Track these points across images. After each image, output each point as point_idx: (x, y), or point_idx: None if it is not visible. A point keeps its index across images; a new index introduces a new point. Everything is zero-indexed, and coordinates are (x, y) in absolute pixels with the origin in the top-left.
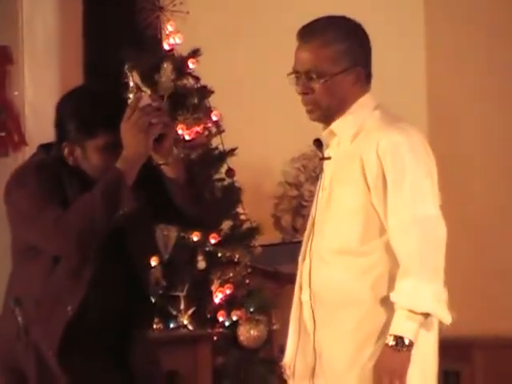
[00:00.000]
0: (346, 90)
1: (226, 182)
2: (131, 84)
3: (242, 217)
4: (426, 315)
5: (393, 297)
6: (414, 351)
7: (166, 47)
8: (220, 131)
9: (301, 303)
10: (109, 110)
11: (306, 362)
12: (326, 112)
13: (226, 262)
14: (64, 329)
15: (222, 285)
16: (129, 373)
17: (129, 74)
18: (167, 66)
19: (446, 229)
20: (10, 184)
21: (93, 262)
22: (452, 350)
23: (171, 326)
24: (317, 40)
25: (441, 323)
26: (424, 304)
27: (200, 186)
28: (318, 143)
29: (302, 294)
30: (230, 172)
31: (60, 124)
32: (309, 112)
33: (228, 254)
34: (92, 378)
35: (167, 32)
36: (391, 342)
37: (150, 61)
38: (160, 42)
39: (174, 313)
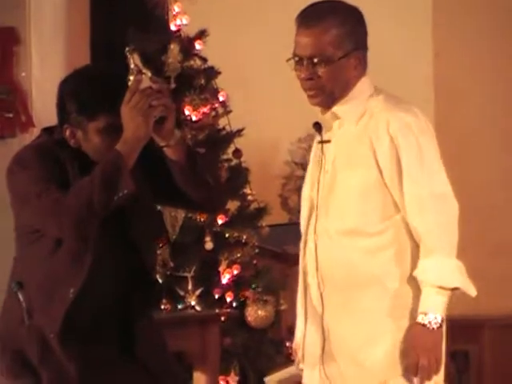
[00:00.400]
0: (349, 73)
1: (233, 163)
2: (132, 66)
3: (250, 197)
4: (453, 290)
5: (419, 275)
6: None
7: (173, 28)
8: (227, 112)
9: (305, 287)
10: (110, 92)
11: (314, 344)
12: (330, 96)
13: (234, 243)
14: (66, 311)
15: (229, 265)
16: (133, 359)
17: (129, 55)
18: (174, 47)
19: (457, 206)
20: (11, 166)
21: (94, 245)
22: (460, 329)
23: (179, 306)
24: (318, 25)
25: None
26: (453, 279)
27: (203, 169)
28: (318, 126)
29: (308, 277)
30: (237, 153)
31: (61, 106)
32: (312, 97)
33: (235, 235)
34: (101, 366)
35: (174, 13)
36: (424, 321)
37: (157, 42)
38: (167, 22)
39: (182, 293)
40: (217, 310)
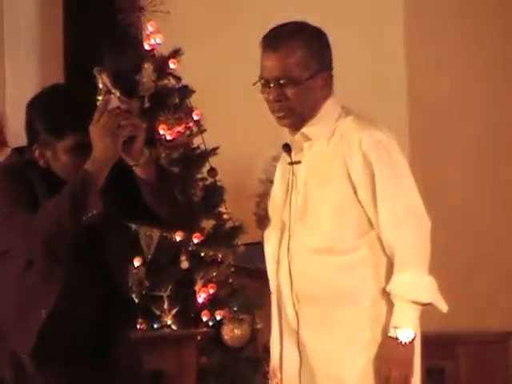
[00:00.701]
0: (316, 94)
1: (208, 182)
2: (100, 86)
3: (225, 216)
4: (425, 306)
5: (393, 289)
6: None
7: (147, 47)
8: (201, 131)
9: (279, 306)
10: (76, 111)
11: (292, 361)
12: (299, 117)
13: (210, 262)
14: (38, 332)
15: (205, 284)
16: (109, 376)
17: (98, 75)
18: (148, 66)
19: (429, 223)
20: None
21: (64, 264)
22: (436, 346)
23: (155, 326)
24: (283, 47)
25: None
26: (427, 294)
27: (172, 187)
28: (287, 148)
29: (283, 296)
30: (212, 171)
31: (30, 127)
32: (281, 118)
33: (211, 254)
34: (69, 382)
35: (148, 32)
36: (395, 335)
37: (131, 61)
38: (141, 42)
39: (158, 313)
40: (193, 329)
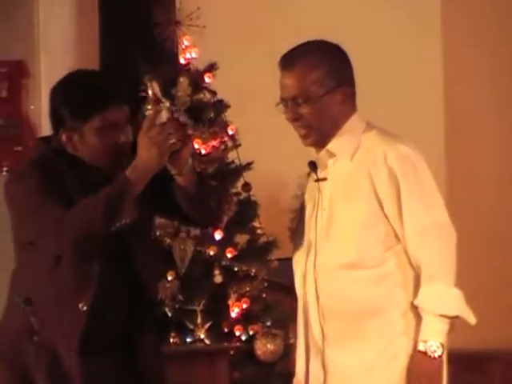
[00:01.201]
0: (336, 110)
1: (242, 196)
2: (150, 94)
3: (259, 231)
4: (453, 318)
5: (421, 303)
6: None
7: (183, 61)
8: (236, 145)
9: (306, 321)
10: (100, 92)
11: (317, 378)
12: (320, 134)
13: (243, 277)
14: (83, 327)
15: (238, 299)
16: (137, 373)
17: (148, 84)
18: (183, 81)
19: (456, 237)
20: (9, 181)
21: (98, 263)
22: (468, 362)
23: (188, 340)
24: (299, 66)
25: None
26: (455, 307)
27: (209, 198)
28: (313, 165)
29: (309, 312)
30: (247, 186)
31: (54, 113)
32: (303, 137)
33: (244, 269)
34: (104, 378)
35: (183, 46)
36: (425, 348)
37: (167, 75)
38: (176, 56)
39: (191, 327)
40: (226, 344)
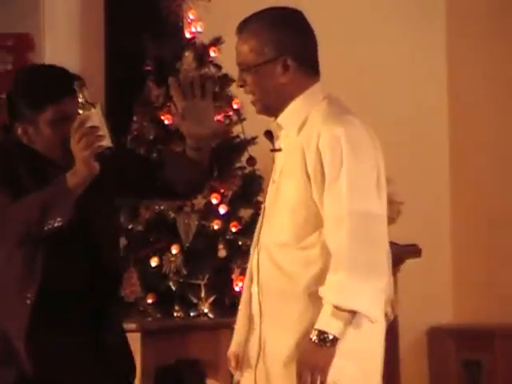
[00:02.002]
0: (277, 81)
1: (246, 171)
2: (80, 100)
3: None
4: (353, 312)
5: (321, 291)
6: (349, 346)
7: (188, 35)
8: (241, 119)
9: (250, 294)
10: (54, 83)
11: (252, 353)
12: (263, 104)
13: (247, 251)
14: (28, 316)
15: (242, 273)
16: (101, 349)
17: (78, 89)
18: (188, 55)
19: (386, 229)
20: None
21: (44, 248)
22: (472, 339)
23: (192, 314)
24: (244, 33)
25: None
26: (348, 300)
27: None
28: (269, 135)
29: (252, 285)
30: (251, 160)
31: (10, 104)
32: (253, 104)
33: (249, 243)
34: (58, 359)
35: (188, 20)
36: (314, 337)
37: (172, 49)
38: (181, 30)
39: (195, 301)
40: (229, 318)
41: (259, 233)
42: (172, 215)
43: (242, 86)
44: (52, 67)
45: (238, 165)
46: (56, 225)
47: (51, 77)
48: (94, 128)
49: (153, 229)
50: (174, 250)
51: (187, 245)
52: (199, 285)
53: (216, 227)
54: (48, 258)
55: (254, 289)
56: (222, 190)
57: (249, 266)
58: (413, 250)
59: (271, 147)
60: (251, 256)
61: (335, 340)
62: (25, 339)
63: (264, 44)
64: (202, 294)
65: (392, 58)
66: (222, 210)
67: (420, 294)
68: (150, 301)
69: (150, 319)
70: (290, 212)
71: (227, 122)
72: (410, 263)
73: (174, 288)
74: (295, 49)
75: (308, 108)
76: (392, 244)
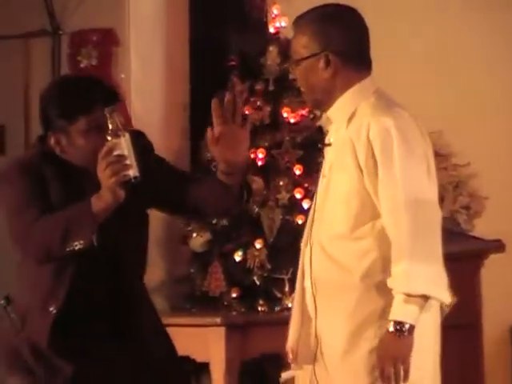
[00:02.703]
0: (319, 75)
1: None
2: (110, 126)
3: None
4: (425, 297)
5: (389, 282)
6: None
7: (272, 30)
8: None
9: (303, 289)
10: (86, 94)
11: (308, 347)
12: (311, 98)
13: None
14: (50, 328)
15: None
16: (136, 351)
17: (108, 116)
18: (272, 50)
19: (439, 215)
20: (4, 173)
21: (74, 262)
22: None
23: (276, 308)
24: (296, 27)
25: None
26: (418, 286)
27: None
28: (320, 130)
29: (304, 281)
30: None
31: (43, 114)
32: (304, 98)
33: None
34: (95, 362)
35: (272, 15)
36: (391, 328)
37: (256, 44)
38: (265, 25)
39: (279, 295)
40: None
41: (311, 228)
42: (256, 210)
43: (295, 81)
44: (86, 78)
45: (321, 159)
46: (77, 247)
47: (84, 87)
48: (122, 157)
49: (237, 224)
50: (258, 244)
51: (271, 239)
52: (283, 279)
53: (300, 222)
54: (75, 272)
55: (307, 283)
56: (306, 185)
57: (300, 261)
58: (497, 245)
59: (322, 143)
60: (302, 252)
61: (412, 328)
62: (48, 345)
63: (309, 39)
64: (286, 289)
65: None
66: (306, 204)
67: (504, 290)
68: (234, 295)
69: (234, 313)
70: (343, 204)
71: (311, 116)
72: (493, 258)
73: (258, 282)
74: (339, 44)
75: (357, 101)
76: (476, 239)
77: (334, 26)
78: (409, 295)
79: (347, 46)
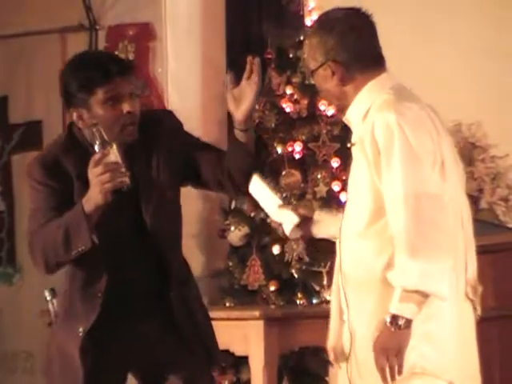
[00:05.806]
0: (330, 83)
1: None
2: (97, 140)
3: None
4: (422, 293)
5: (388, 276)
6: (429, 328)
7: (308, 23)
8: None
9: (339, 287)
10: (101, 66)
11: (345, 345)
12: (332, 104)
13: None
14: (99, 309)
15: None
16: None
17: (94, 130)
18: None
19: (445, 207)
20: (26, 173)
21: (105, 276)
22: None
23: (314, 301)
24: (306, 39)
25: None
26: (413, 281)
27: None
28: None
29: (338, 279)
30: None
31: (64, 91)
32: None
33: None
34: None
35: (309, 8)
36: (387, 322)
37: (292, 37)
38: (302, 18)
39: (317, 288)
40: None
41: (341, 224)
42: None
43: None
44: (101, 52)
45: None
46: (81, 251)
47: (99, 59)
48: (118, 164)
49: None
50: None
51: None
52: (321, 272)
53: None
54: (110, 259)
55: (339, 281)
56: (344, 178)
57: (336, 258)
58: None
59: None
60: (337, 246)
61: (408, 322)
62: (79, 355)
63: (314, 51)
64: (325, 282)
65: None
66: (344, 197)
67: None
68: (272, 288)
69: (272, 306)
70: (360, 201)
71: None
72: None
73: (296, 275)
74: (337, 53)
75: (370, 100)
76: (507, 229)
77: (328, 36)
78: (405, 289)
79: (344, 52)
